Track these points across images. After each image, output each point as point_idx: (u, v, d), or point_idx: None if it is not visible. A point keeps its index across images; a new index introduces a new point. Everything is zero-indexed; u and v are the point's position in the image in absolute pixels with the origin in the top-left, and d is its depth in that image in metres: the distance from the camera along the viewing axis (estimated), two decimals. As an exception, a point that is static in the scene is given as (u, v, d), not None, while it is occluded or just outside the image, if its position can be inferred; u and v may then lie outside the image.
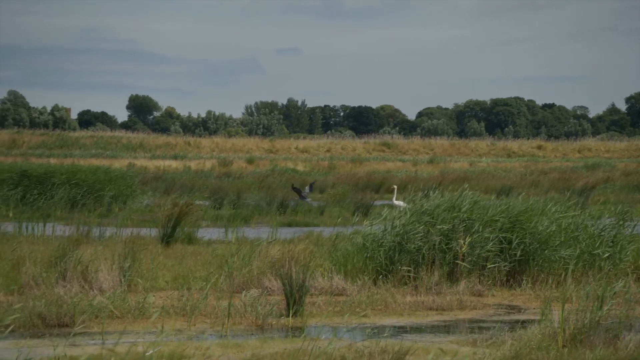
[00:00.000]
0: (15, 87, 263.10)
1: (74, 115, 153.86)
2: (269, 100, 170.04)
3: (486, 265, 18.88)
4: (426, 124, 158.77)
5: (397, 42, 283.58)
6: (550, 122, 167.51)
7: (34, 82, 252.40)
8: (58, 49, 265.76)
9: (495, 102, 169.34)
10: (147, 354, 11.57)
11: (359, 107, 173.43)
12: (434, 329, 15.38)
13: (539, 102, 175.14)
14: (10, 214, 30.83)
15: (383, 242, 18.88)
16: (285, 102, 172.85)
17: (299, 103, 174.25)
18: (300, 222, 32.20)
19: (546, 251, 19.10)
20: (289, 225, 31.41)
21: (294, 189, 38.95)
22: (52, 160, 66.00)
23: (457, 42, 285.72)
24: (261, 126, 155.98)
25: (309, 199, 38.09)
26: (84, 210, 31.79)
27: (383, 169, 73.18)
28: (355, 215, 26.22)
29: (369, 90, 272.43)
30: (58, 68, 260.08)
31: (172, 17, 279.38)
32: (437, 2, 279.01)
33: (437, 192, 20.13)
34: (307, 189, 39.22)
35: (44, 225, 26.23)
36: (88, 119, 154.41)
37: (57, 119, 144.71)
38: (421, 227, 18.85)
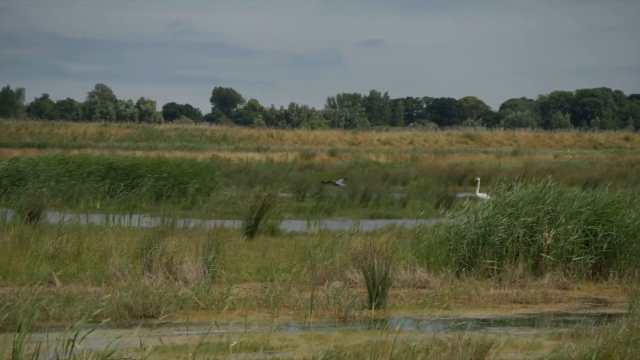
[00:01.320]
0: (102, 80, 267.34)
1: (159, 108, 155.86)
2: (352, 93, 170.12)
3: (571, 258, 18.64)
4: (510, 115, 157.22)
5: (481, 32, 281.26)
6: (638, 113, 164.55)
7: (121, 76, 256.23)
8: (144, 43, 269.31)
9: (582, 93, 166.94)
10: (231, 344, 11.67)
11: (442, 98, 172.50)
12: (518, 322, 15.24)
13: (627, 92, 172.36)
14: (98, 206, 31.36)
15: (466, 234, 18.76)
16: (367, 94, 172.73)
17: (382, 95, 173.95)
18: (382, 214, 32.15)
19: (634, 244, 18.79)
20: (372, 217, 31.39)
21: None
22: (138, 153, 66.93)
23: (541, 31, 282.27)
24: (343, 118, 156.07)
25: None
26: (168, 202, 32.18)
27: (466, 161, 72.66)
28: (438, 207, 26.09)
29: (452, 82, 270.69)
30: (144, 61, 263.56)
31: (256, 9, 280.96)
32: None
33: (520, 184, 19.93)
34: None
35: (130, 217, 26.63)
36: (173, 112, 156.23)
37: (142, 112, 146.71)
38: (505, 220, 18.68)
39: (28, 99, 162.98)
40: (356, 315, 15.28)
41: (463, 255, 18.59)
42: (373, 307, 15.53)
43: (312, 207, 32.16)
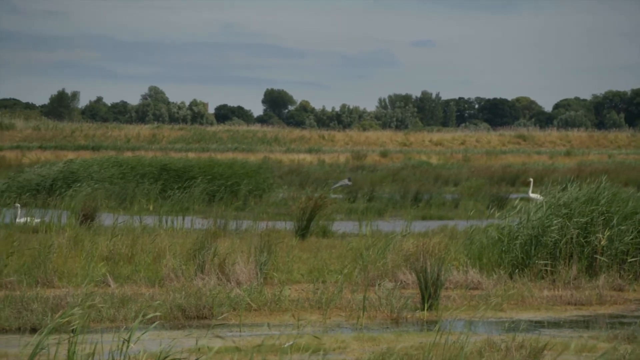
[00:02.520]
0: (155, 82, 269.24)
1: (211, 110, 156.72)
2: (403, 93, 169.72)
3: (626, 259, 18.44)
4: (563, 115, 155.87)
5: (533, 31, 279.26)
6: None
7: (174, 78, 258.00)
8: (197, 44, 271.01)
9: (636, 93, 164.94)
10: (284, 345, 11.70)
11: (494, 99, 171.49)
12: (573, 324, 15.11)
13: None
14: (151, 207, 31.59)
15: (519, 235, 18.63)
16: (419, 95, 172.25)
17: (433, 96, 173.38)
18: (434, 216, 32.04)
19: (689, 245, 18.52)
20: (423, 218, 31.30)
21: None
22: (190, 155, 67.34)
23: (595, 30, 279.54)
24: (395, 119, 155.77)
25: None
26: (221, 204, 32.33)
27: (518, 161, 72.17)
28: (490, 208, 25.96)
29: (504, 82, 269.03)
30: (197, 63, 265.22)
31: (308, 10, 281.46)
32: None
33: (574, 184, 19.75)
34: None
35: (183, 219, 26.80)
36: (225, 114, 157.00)
37: (195, 114, 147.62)
38: (558, 220, 18.53)
39: (83, 102, 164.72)
40: (408, 316, 15.24)
41: (516, 256, 18.47)
42: (425, 308, 15.49)
43: (364, 208, 32.14)
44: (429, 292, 15.54)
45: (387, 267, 17.88)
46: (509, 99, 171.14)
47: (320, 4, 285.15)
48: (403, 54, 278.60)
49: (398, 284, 17.04)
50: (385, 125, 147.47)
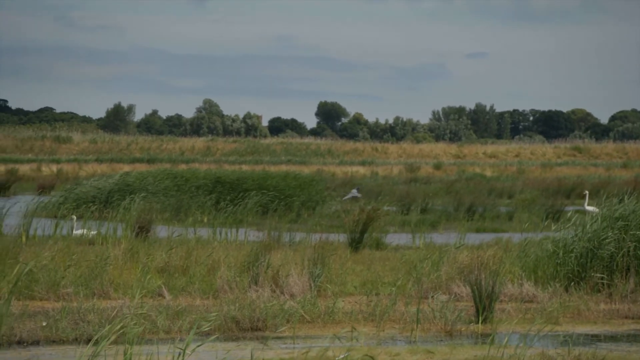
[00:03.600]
0: (210, 95, 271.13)
1: (264, 123, 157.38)
2: (457, 106, 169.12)
3: (684, 273, 18.17)
4: (620, 127, 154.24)
5: (590, 42, 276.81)
6: None
7: (228, 91, 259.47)
8: (251, 57, 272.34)
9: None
10: (338, 358, 11.70)
11: (549, 111, 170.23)
12: (630, 338, 14.92)
13: None
14: (205, 219, 31.76)
15: (574, 248, 18.46)
16: (473, 107, 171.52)
17: (487, 108, 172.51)
18: (488, 228, 31.85)
19: None
20: (477, 231, 31.14)
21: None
22: (244, 167, 67.65)
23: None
24: (448, 131, 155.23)
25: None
26: (274, 216, 32.43)
27: (574, 174, 71.53)
28: (545, 221, 25.75)
29: (559, 94, 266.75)
30: (250, 76, 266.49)
31: (361, 23, 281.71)
32: (631, 0, 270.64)
33: (631, 197, 19.53)
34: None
35: (237, 231, 26.92)
36: (278, 126, 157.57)
37: (248, 127, 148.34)
38: (614, 233, 18.33)
39: (138, 115, 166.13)
40: (463, 329, 15.17)
41: (571, 269, 18.30)
42: (480, 321, 15.40)
43: (417, 220, 32.05)
44: (484, 304, 15.45)
45: (440, 279, 17.81)
46: (564, 110, 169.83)
47: (374, 16, 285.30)
48: (457, 66, 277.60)
49: (452, 296, 16.96)
50: (438, 138, 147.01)
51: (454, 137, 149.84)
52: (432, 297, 16.29)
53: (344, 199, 37.67)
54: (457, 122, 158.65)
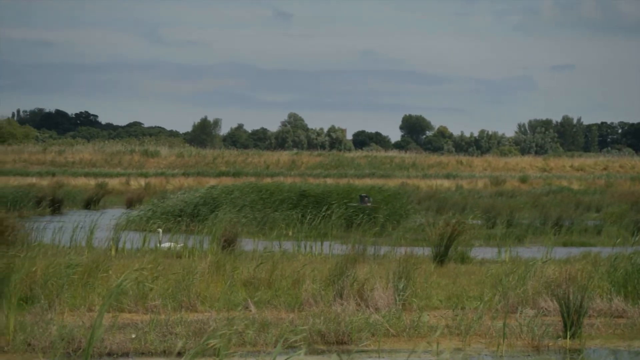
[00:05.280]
0: (295, 109, 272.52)
1: (349, 136, 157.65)
2: (543, 118, 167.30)
3: None
4: None
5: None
6: None
7: (312, 104, 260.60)
8: (335, 71, 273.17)
9: None
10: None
11: (639, 123, 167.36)
12: None
13: None
14: (290, 233, 31.92)
15: (665, 263, 18.11)
16: (559, 120, 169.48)
17: (574, 120, 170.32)
18: (576, 242, 31.43)
19: None
20: (564, 244, 30.74)
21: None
22: (328, 180, 67.83)
23: None
24: (534, 144, 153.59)
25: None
26: (359, 229, 32.45)
27: (664, 186, 70.13)
28: (636, 235, 25.31)
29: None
30: (335, 90, 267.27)
31: (445, 36, 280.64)
32: None
33: None
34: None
35: (321, 244, 27.00)
36: (362, 140, 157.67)
37: (333, 140, 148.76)
38: None
39: (224, 129, 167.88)
40: (550, 344, 14.99)
41: (662, 285, 17.95)
42: (568, 336, 15.20)
43: (503, 234, 31.76)
44: (572, 319, 15.25)
45: (527, 294, 17.62)
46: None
47: (459, 29, 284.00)
48: (542, 78, 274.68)
49: (539, 311, 16.77)
50: (524, 151, 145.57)
51: (540, 150, 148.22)
52: (520, 312, 16.13)
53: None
54: (544, 134, 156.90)
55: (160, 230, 26.80)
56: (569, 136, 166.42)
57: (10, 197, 45.53)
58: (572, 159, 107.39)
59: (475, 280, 20.16)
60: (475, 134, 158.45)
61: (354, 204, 36.96)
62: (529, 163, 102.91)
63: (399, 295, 17.21)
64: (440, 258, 23.53)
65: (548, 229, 34.24)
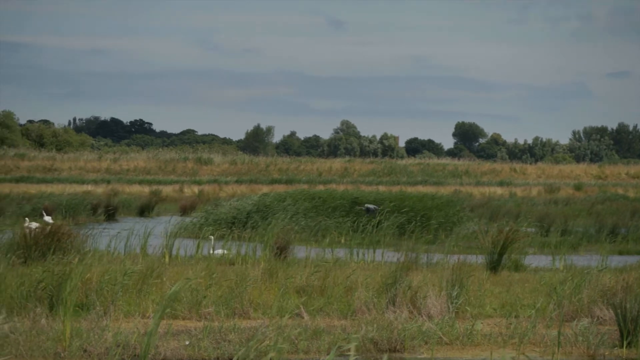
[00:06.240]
0: (347, 116, 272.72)
1: (401, 143, 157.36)
2: (599, 125, 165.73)
3: None
4: None
5: None
6: None
7: (365, 112, 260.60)
8: (388, 78, 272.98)
9: None
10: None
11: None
12: None
13: None
14: (342, 240, 31.91)
15: None
16: (615, 127, 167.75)
17: (631, 128, 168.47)
18: (632, 250, 31.07)
19: None
20: (620, 253, 30.40)
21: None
22: (381, 188, 67.73)
23: None
24: (589, 152, 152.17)
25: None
26: (411, 237, 32.36)
27: None
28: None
29: None
30: (387, 97, 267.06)
31: (499, 43, 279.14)
32: None
33: None
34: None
35: (374, 251, 26.95)
36: (415, 147, 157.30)
37: (385, 147, 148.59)
38: None
39: (277, 137, 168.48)
40: (606, 353, 14.83)
41: None
42: (624, 345, 15.03)
43: (557, 242, 31.48)
44: (628, 328, 15.07)
45: (582, 302, 17.45)
46: None
47: (512, 36, 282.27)
48: (597, 85, 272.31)
49: (594, 319, 16.60)
50: (579, 158, 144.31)
51: (595, 158, 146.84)
52: (575, 320, 15.98)
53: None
54: (599, 142, 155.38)
55: (212, 237, 26.94)
56: (625, 143, 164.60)
57: (66, 205, 46.08)
58: (627, 167, 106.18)
59: (530, 288, 20.01)
60: (529, 141, 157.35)
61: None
62: (583, 170, 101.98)
63: (452, 303, 17.13)
64: (494, 266, 23.38)
65: (603, 237, 33.87)
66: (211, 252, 25.78)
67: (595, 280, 18.22)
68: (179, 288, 10.54)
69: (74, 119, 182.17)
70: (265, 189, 67.36)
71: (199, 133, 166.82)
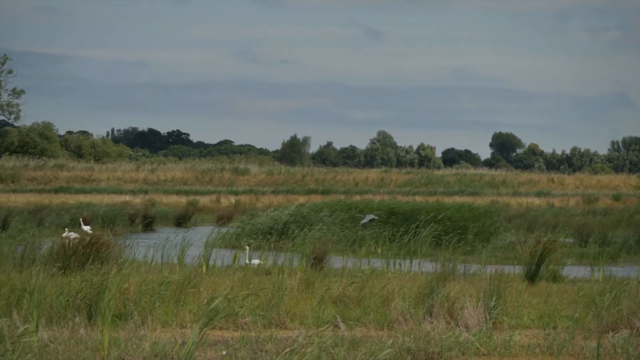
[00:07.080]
0: (384, 127, 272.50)
1: (438, 154, 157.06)
2: (638, 135, 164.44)
3: None
4: None
5: None
6: None
7: (402, 122, 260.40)
8: (424, 89, 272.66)
9: None
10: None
11: None
12: None
13: None
14: (379, 250, 31.89)
15: None
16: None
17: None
18: (671, 261, 30.80)
19: None
20: (660, 264, 30.13)
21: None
22: (417, 198, 67.62)
23: None
24: (628, 162, 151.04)
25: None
26: (448, 247, 32.27)
27: None
28: None
29: None
30: (424, 107, 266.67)
31: (536, 53, 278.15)
32: None
33: None
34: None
35: (410, 262, 26.91)
36: (452, 157, 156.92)
37: (422, 158, 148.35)
38: None
39: (313, 147, 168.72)
40: (645, 366, 14.69)
41: None
42: (663, 358, 14.88)
43: (596, 253, 31.28)
44: (667, 341, 14.93)
45: (621, 313, 17.32)
46: None
47: (551, 46, 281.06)
48: (637, 95, 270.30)
49: (634, 331, 16.46)
50: (617, 169, 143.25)
51: (634, 168, 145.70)
52: (613, 332, 15.86)
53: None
54: (638, 152, 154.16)
55: (247, 247, 27.03)
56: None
57: (104, 215, 46.39)
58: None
59: (568, 299, 19.89)
60: (567, 152, 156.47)
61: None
62: (622, 181, 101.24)
63: (489, 313, 17.06)
64: (531, 276, 23.27)
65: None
66: (247, 262, 25.85)
67: (635, 291, 18.08)
68: (219, 303, 10.59)
69: (112, 130, 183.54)
70: (301, 199, 67.46)
71: (236, 143, 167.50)
